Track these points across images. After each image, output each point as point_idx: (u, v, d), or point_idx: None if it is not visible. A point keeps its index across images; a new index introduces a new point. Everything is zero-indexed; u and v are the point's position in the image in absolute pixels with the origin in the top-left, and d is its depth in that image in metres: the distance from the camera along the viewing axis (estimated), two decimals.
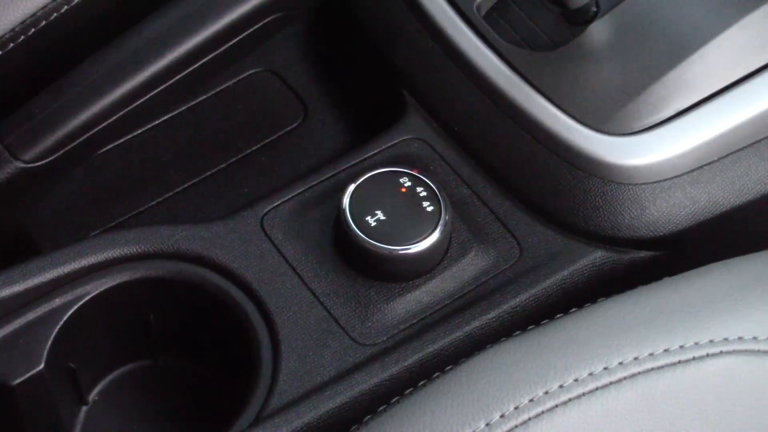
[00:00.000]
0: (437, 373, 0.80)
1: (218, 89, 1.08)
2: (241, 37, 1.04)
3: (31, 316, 0.89)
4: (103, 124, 0.99)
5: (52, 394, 0.90)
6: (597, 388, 0.74)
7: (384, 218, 0.89)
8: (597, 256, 0.92)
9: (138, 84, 1.00)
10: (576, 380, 0.75)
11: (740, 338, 0.77)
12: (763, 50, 0.94)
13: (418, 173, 0.92)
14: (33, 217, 1.02)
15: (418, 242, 0.89)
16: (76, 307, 0.89)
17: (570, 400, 0.74)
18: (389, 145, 0.97)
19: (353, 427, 0.79)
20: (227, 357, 0.93)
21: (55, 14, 0.95)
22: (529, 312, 0.90)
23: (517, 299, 0.90)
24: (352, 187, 0.91)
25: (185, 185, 1.04)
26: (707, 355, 0.76)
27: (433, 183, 0.91)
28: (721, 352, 0.77)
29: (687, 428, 0.74)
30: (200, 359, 0.96)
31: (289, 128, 1.07)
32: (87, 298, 0.90)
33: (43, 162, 0.98)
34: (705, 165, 0.93)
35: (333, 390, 0.85)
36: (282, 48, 1.11)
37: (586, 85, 0.94)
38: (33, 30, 0.95)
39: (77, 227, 1.02)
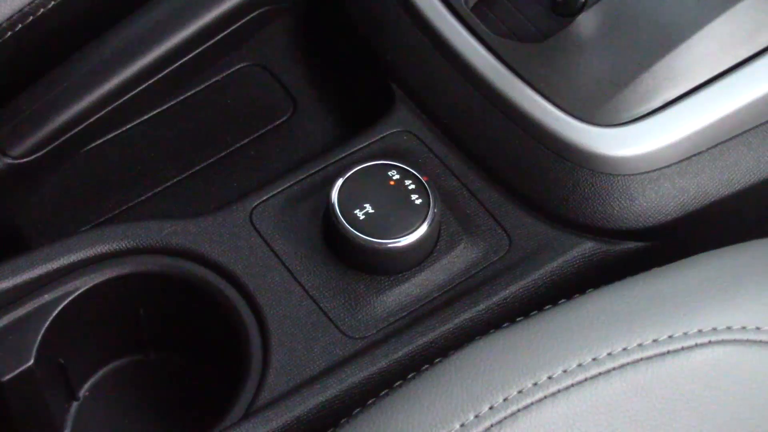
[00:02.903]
0: (426, 366, 0.80)
1: (207, 83, 1.08)
2: (229, 30, 1.04)
3: (20, 312, 0.88)
4: (91, 120, 1.00)
5: (42, 390, 0.89)
6: (586, 379, 0.75)
7: (373, 211, 0.89)
8: (586, 247, 0.92)
9: (126, 79, 1.00)
10: (564, 371, 0.75)
11: (729, 328, 0.77)
12: (751, 40, 0.94)
13: (407, 166, 0.91)
14: (22, 213, 1.02)
15: (407, 235, 0.89)
16: (65, 303, 0.89)
17: (559, 391, 0.74)
18: (378, 138, 0.97)
19: (343, 421, 0.79)
20: (217, 351, 0.93)
21: (42, 9, 0.95)
22: (519, 304, 0.90)
23: (507, 291, 0.90)
24: (340, 181, 0.91)
25: (174, 180, 1.04)
26: (696, 345, 0.76)
27: (421, 176, 0.91)
28: (709, 342, 0.77)
29: (676, 418, 0.74)
30: (190, 354, 0.96)
31: (278, 122, 1.07)
32: (76, 293, 0.90)
33: (32, 158, 0.98)
34: (694, 155, 0.93)
35: (323, 384, 0.85)
36: (271, 42, 1.10)
37: (575, 76, 0.94)
38: (20, 26, 0.95)
39: (66, 223, 1.01)
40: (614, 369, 0.75)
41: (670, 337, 0.76)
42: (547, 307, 0.83)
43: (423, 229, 0.89)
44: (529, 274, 0.90)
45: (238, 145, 1.06)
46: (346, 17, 1.06)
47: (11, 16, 0.94)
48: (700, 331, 0.77)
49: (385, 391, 0.79)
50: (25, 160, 0.98)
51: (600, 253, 0.92)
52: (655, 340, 0.76)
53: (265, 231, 0.92)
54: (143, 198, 1.03)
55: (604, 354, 0.76)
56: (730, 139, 0.94)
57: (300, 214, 0.93)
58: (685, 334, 0.77)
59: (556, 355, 0.75)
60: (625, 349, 0.76)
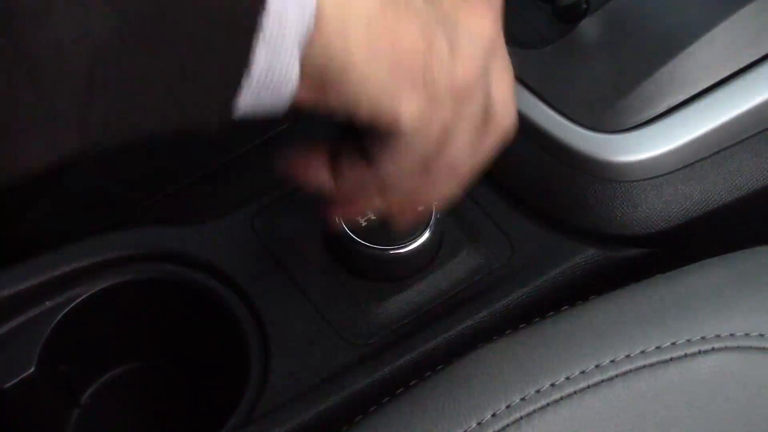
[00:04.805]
0: (428, 373, 0.79)
1: None
2: None
3: (22, 318, 0.88)
4: None
5: (44, 397, 0.89)
6: (589, 386, 0.74)
7: (375, 218, 0.89)
8: (589, 253, 0.92)
9: None
10: (567, 378, 0.74)
11: (732, 335, 0.77)
12: (754, 45, 0.93)
13: None
14: (22, 220, 1.02)
15: (409, 242, 0.89)
16: (67, 310, 0.89)
17: (561, 398, 0.74)
18: None
19: (344, 428, 0.79)
20: (218, 358, 0.93)
21: None
22: (522, 310, 0.90)
23: (509, 298, 0.89)
24: None
25: (176, 187, 1.04)
26: (699, 352, 0.76)
27: None
28: (713, 349, 0.77)
29: (679, 426, 0.74)
30: (191, 361, 0.96)
31: (280, 129, 1.07)
32: (78, 300, 0.90)
33: None
34: (697, 161, 0.93)
35: (324, 391, 0.85)
36: None
37: (577, 82, 0.94)
38: None
39: (67, 230, 1.01)
40: (617, 376, 0.75)
41: (673, 344, 0.76)
42: (550, 314, 0.82)
43: (425, 236, 0.89)
44: (531, 281, 0.90)
45: (240, 151, 1.06)
46: None
47: None
48: (703, 338, 0.77)
49: (387, 398, 0.79)
50: None
51: (603, 260, 0.92)
52: (658, 347, 0.76)
53: (267, 238, 0.92)
54: (145, 205, 1.03)
55: (608, 361, 0.75)
56: (734, 144, 0.93)
57: (302, 221, 0.93)
58: (689, 341, 0.77)
59: (559, 363, 0.75)
60: (628, 357, 0.76)
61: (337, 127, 0.78)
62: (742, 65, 0.93)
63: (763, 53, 0.94)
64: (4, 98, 0.56)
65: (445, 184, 0.77)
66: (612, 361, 0.75)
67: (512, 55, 0.95)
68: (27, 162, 0.59)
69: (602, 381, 0.74)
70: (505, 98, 0.77)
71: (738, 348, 0.77)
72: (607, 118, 0.92)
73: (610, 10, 0.95)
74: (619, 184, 0.92)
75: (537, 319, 0.82)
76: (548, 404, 0.73)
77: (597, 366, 0.75)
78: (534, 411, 0.73)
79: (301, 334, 0.88)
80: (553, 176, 0.93)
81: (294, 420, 0.84)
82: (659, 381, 0.75)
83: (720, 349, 0.76)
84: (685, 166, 0.93)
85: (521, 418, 0.73)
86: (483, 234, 0.93)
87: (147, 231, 0.92)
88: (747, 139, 0.94)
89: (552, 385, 0.74)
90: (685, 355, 0.76)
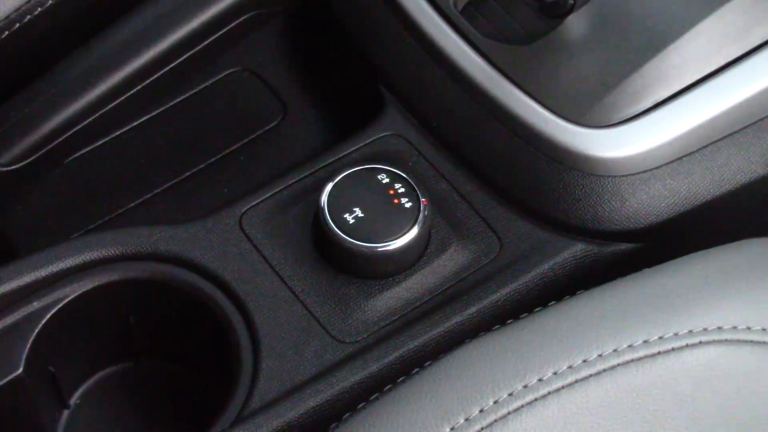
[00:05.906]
0: (416, 369, 0.79)
1: (196, 89, 1.08)
2: (217, 35, 1.04)
3: (9, 320, 0.88)
4: (79, 126, 1.00)
5: (33, 398, 0.89)
6: (576, 381, 0.74)
7: (362, 215, 0.89)
8: (578, 249, 0.92)
9: (114, 85, 1.00)
10: (555, 373, 0.74)
11: (720, 328, 0.77)
12: (740, 40, 0.93)
13: (397, 169, 0.91)
14: (10, 220, 1.01)
15: (397, 239, 0.88)
16: (54, 310, 0.89)
17: (549, 393, 0.74)
18: (367, 142, 0.97)
19: (332, 425, 0.79)
20: (208, 357, 0.93)
21: (28, 16, 0.95)
22: (511, 306, 0.90)
23: (498, 294, 0.89)
24: (330, 185, 0.90)
25: (164, 186, 1.04)
26: (687, 345, 0.76)
27: (411, 179, 0.91)
28: (700, 343, 0.76)
29: (667, 420, 0.74)
30: (181, 360, 0.95)
31: (268, 127, 1.07)
32: (66, 300, 0.89)
33: (20, 165, 0.98)
34: (684, 156, 0.93)
35: (313, 388, 0.85)
36: (260, 47, 1.10)
37: (564, 77, 0.94)
38: (6, 33, 0.95)
39: (55, 230, 1.01)
40: (605, 370, 0.75)
41: (660, 338, 0.76)
42: (537, 309, 0.82)
43: (413, 232, 0.89)
44: (519, 277, 0.90)
45: (227, 150, 1.06)
46: (335, 21, 1.05)
47: None
48: (690, 331, 0.77)
49: (376, 394, 0.79)
50: (13, 167, 0.97)
51: (591, 255, 0.92)
52: (645, 341, 0.76)
53: (255, 236, 0.92)
54: (132, 204, 1.03)
55: (595, 356, 0.75)
56: (721, 139, 0.93)
57: (290, 218, 0.93)
58: (676, 334, 0.76)
59: (546, 358, 0.75)
60: (616, 351, 0.75)
61: None
62: (728, 59, 0.93)
63: (748, 47, 0.93)
64: None
65: None
66: (600, 356, 0.75)
67: (499, 50, 0.96)
68: None
69: (590, 375, 0.74)
70: None
71: (725, 341, 0.77)
72: (595, 114, 0.92)
73: (596, 5, 0.94)
74: (606, 179, 0.92)
75: (524, 315, 0.82)
76: (536, 399, 0.73)
77: (585, 361, 0.75)
78: (522, 406, 0.73)
79: (289, 332, 0.88)
80: (540, 172, 0.93)
81: (284, 417, 0.84)
82: (647, 375, 0.75)
83: (707, 343, 0.76)
84: (672, 161, 0.93)
85: (509, 413, 0.73)
86: (471, 230, 0.92)
87: (135, 230, 0.92)
88: (734, 133, 0.94)
89: (540, 380, 0.74)
90: (673, 349, 0.76)
